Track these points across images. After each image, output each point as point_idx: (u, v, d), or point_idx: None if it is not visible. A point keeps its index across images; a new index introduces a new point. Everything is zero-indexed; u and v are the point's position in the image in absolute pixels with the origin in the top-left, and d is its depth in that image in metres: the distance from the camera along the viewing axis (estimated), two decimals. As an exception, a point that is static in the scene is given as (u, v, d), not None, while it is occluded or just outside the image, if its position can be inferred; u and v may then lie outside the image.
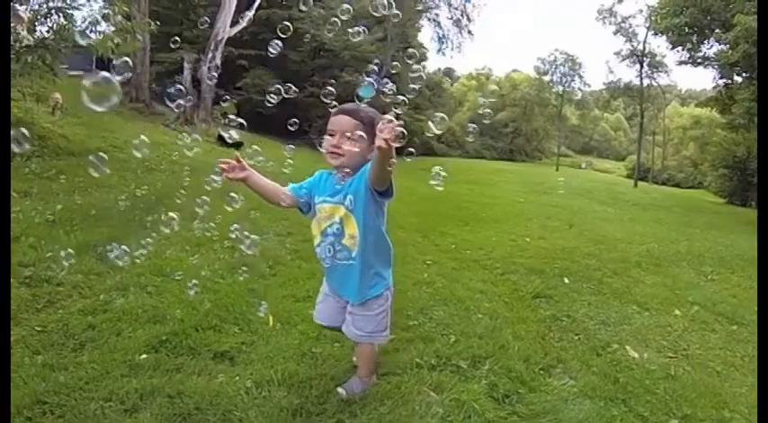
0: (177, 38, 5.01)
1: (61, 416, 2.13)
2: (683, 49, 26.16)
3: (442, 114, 2.04)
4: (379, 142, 1.81)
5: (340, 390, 2.44)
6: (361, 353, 2.54)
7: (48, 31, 9.10)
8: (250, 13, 21.86)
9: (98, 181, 6.86)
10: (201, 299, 3.22)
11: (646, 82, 38.71)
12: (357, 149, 2.17)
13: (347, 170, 2.23)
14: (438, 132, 2.03)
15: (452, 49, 39.92)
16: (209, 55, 19.84)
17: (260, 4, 23.17)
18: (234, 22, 21.03)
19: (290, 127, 2.36)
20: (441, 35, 39.28)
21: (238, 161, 2.25)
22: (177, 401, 2.25)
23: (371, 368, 2.57)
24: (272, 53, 2.65)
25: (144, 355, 2.62)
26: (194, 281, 2.84)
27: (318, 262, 2.46)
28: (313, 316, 2.65)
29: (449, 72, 68.84)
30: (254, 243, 2.27)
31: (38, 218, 4.64)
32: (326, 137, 2.22)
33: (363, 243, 2.30)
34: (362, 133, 2.12)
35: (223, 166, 2.25)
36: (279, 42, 2.56)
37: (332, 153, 2.20)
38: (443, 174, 2.12)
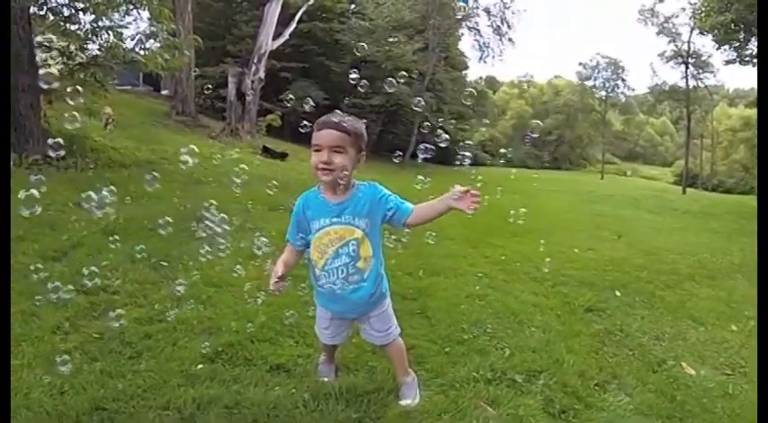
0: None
1: (120, 423, 2.17)
2: (729, 48, 24.98)
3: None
4: (469, 211, 2.05)
5: (403, 402, 2.47)
6: (391, 354, 2.59)
7: (99, 49, 9.47)
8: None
9: (147, 192, 7.06)
10: (256, 311, 3.25)
11: (692, 83, 37.55)
12: (348, 163, 2.17)
13: (341, 184, 2.22)
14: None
15: (493, 57, 39.56)
16: (253, 68, 20.26)
17: (301, 18, 23.56)
18: (276, 36, 21.43)
19: (300, 129, 2.36)
20: (481, 43, 39.00)
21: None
22: (235, 412, 2.28)
23: (406, 363, 2.61)
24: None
25: (200, 366, 2.66)
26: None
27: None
28: (321, 336, 2.58)
29: (491, 81, 68.61)
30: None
31: (93, 227, 4.78)
32: (313, 152, 2.18)
33: (377, 262, 2.33)
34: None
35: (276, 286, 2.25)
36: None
37: (323, 169, 2.15)
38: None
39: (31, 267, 3.09)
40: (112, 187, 2.08)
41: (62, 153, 2.02)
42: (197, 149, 2.45)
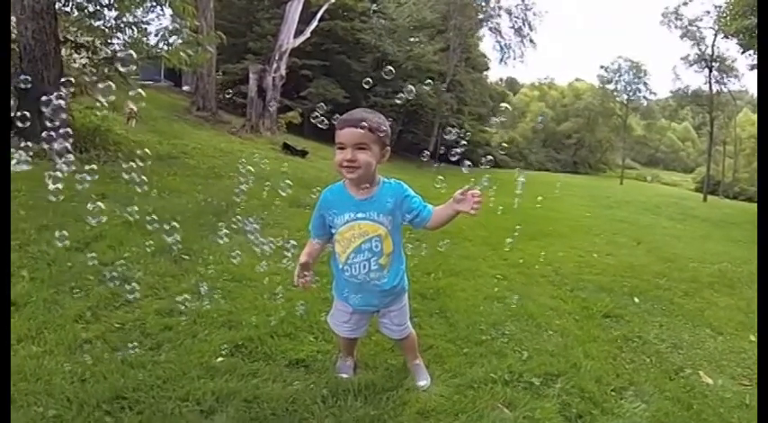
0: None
1: (140, 412, 2.20)
2: (754, 53, 24.58)
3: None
4: (472, 212, 2.12)
5: (421, 383, 2.61)
6: (406, 346, 2.70)
7: (123, 44, 9.62)
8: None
9: (169, 186, 7.14)
10: (276, 306, 3.27)
11: (715, 88, 36.68)
12: (372, 160, 2.18)
13: (365, 185, 2.24)
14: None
15: (515, 58, 39.30)
16: (274, 65, 20.37)
17: (322, 16, 23.64)
18: (297, 33, 21.53)
19: (320, 125, 2.40)
20: (502, 45, 38.78)
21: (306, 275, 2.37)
22: (254, 406, 2.30)
23: (416, 350, 2.76)
24: None
25: (220, 359, 2.68)
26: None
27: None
28: (339, 330, 2.59)
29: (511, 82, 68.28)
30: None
31: (116, 220, 4.84)
32: (336, 150, 2.18)
33: (398, 258, 2.38)
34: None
35: (302, 281, 2.36)
36: None
37: (347, 167, 2.16)
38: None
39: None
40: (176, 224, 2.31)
41: (135, 177, 2.17)
42: (252, 169, 2.52)
